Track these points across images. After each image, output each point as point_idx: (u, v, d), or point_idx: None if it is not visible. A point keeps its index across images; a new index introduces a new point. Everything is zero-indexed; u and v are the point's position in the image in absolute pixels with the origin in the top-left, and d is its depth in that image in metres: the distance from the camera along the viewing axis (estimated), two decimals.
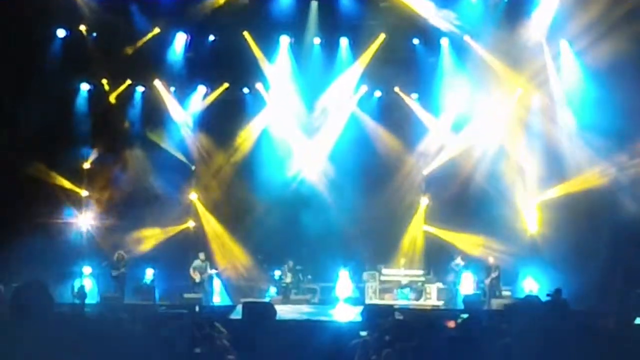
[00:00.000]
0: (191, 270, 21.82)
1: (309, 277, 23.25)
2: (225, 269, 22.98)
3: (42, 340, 5.37)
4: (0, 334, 5.41)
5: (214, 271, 22.41)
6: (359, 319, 10.76)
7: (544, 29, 21.90)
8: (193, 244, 23.39)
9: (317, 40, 23.43)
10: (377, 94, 24.33)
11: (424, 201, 24.29)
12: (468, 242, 22.93)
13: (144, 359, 7.04)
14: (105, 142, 23.36)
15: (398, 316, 13.64)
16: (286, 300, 22.06)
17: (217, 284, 22.82)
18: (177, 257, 22.56)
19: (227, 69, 23.62)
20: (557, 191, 22.04)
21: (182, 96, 24.15)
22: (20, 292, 5.65)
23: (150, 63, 23.09)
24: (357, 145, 23.90)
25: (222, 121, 24.06)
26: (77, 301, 20.89)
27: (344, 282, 22.56)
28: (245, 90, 24.28)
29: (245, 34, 23.10)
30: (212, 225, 23.99)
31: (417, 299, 22.23)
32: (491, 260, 21.54)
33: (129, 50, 22.54)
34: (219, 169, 24.27)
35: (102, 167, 23.37)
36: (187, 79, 23.64)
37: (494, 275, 21.10)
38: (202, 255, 22.25)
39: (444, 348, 7.26)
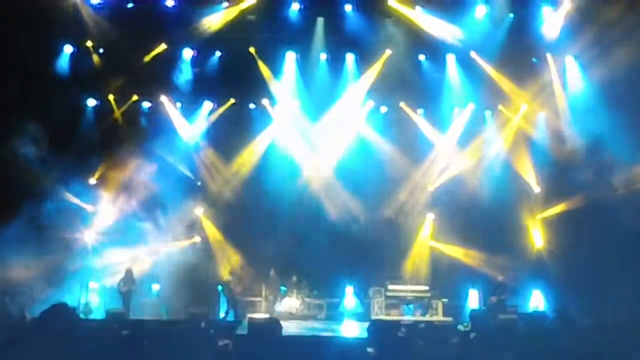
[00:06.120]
0: None
1: (315, 292, 23.20)
2: (230, 282, 22.91)
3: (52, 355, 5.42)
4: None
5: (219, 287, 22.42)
6: (365, 334, 10.71)
7: (549, 44, 21.96)
8: (199, 259, 23.36)
9: (323, 56, 23.50)
10: (383, 109, 24.35)
11: (430, 217, 24.25)
12: (474, 258, 22.88)
13: None
14: (112, 157, 23.37)
15: (404, 332, 13.58)
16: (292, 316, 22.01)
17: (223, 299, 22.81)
18: (183, 272, 22.50)
19: (233, 85, 23.63)
20: (563, 206, 22.03)
21: (189, 112, 24.22)
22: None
23: (156, 79, 23.14)
24: (363, 161, 23.94)
25: (228, 137, 24.08)
26: (82, 316, 20.98)
27: (350, 298, 22.51)
28: (252, 105, 24.34)
29: (252, 49, 23.21)
30: (218, 240, 23.97)
31: (423, 314, 22.14)
32: (500, 278, 21.27)
33: (136, 66, 22.62)
34: (225, 185, 24.25)
35: (108, 182, 23.40)
36: (193, 94, 23.66)
37: (502, 297, 20.69)
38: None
39: None
